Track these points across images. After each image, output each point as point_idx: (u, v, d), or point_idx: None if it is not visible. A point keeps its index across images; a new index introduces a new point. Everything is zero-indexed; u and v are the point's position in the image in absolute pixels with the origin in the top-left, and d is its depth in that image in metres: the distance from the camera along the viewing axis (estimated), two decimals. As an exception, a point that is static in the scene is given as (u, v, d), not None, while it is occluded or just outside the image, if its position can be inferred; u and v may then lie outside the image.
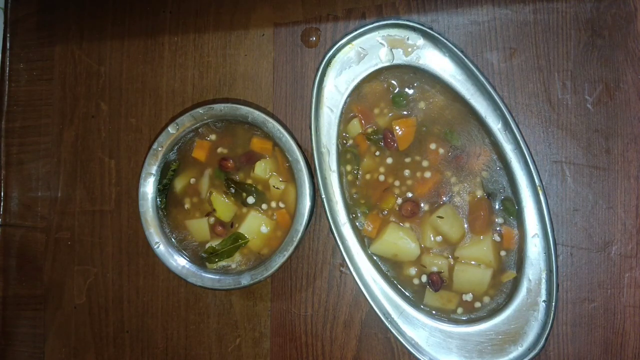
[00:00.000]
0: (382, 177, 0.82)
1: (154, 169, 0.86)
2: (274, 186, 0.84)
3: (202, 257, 0.85)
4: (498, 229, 0.78)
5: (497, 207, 0.78)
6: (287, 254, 0.80)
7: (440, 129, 0.80)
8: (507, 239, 0.78)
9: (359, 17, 0.85)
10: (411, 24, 0.80)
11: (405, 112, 0.82)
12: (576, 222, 0.77)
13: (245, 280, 0.81)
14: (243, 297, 0.88)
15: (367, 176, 0.82)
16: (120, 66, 0.94)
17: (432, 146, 0.81)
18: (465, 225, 0.79)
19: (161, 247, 0.85)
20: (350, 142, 0.83)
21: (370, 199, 0.82)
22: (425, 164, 0.80)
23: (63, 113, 0.96)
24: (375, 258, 0.81)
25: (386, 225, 0.81)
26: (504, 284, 0.78)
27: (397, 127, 0.80)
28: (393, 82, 0.82)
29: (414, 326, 0.79)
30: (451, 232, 0.78)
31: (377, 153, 0.82)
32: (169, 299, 0.91)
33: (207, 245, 0.85)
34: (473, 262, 0.78)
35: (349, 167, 0.83)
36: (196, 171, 0.87)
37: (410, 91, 0.82)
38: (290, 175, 0.83)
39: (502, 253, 0.78)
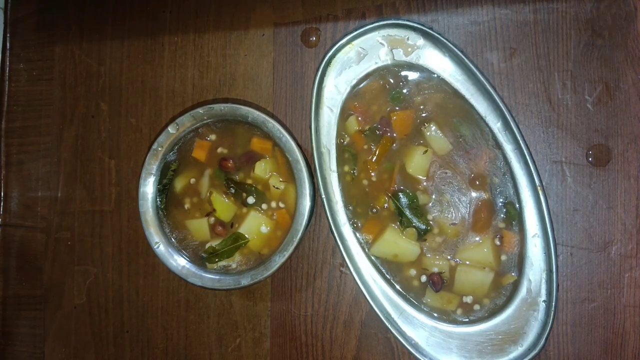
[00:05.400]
0: (374, 177, 0.82)
1: (154, 169, 0.86)
2: (274, 186, 0.84)
3: (202, 257, 0.85)
4: (499, 235, 0.78)
5: (500, 215, 0.78)
6: (287, 254, 0.80)
7: (443, 121, 0.80)
8: (508, 242, 0.78)
9: (359, 17, 0.85)
10: (411, 24, 0.80)
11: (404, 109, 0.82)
12: (576, 222, 0.77)
13: (245, 280, 0.81)
14: (243, 297, 0.88)
15: (363, 175, 0.82)
16: (120, 66, 0.94)
17: (432, 132, 0.80)
18: (467, 224, 0.79)
19: (161, 247, 0.85)
20: (347, 139, 0.83)
21: (367, 200, 0.82)
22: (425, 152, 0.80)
23: (63, 113, 0.96)
24: (375, 261, 0.81)
25: (385, 227, 0.81)
26: (503, 287, 0.78)
27: (394, 117, 0.80)
28: (391, 80, 0.82)
29: (414, 326, 0.79)
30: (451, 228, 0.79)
31: (373, 147, 0.82)
32: (169, 299, 0.91)
33: (207, 245, 0.85)
34: (473, 264, 0.78)
35: (347, 168, 0.83)
36: (196, 171, 0.87)
37: (409, 90, 0.82)
38: (290, 175, 0.83)
39: (503, 257, 0.78)
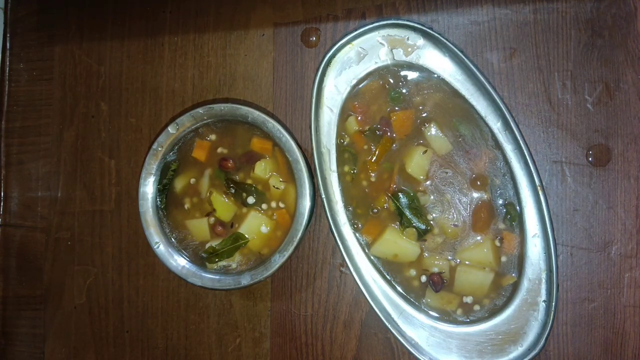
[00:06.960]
0: (374, 177, 0.82)
1: (154, 169, 0.86)
2: (274, 186, 0.84)
3: (202, 257, 0.85)
4: (499, 236, 0.78)
5: (501, 215, 0.78)
6: (287, 254, 0.80)
7: (443, 121, 0.80)
8: (508, 243, 0.78)
9: (359, 17, 0.85)
10: (411, 24, 0.80)
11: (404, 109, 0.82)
12: (576, 222, 0.77)
13: (245, 280, 0.81)
14: (243, 297, 0.88)
15: (362, 176, 0.82)
16: (120, 66, 0.94)
17: (432, 132, 0.80)
18: (467, 225, 0.79)
19: (161, 247, 0.85)
20: (347, 139, 0.83)
21: (367, 201, 0.82)
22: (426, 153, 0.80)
23: (63, 113, 0.96)
24: (375, 261, 0.81)
25: (385, 227, 0.81)
26: (503, 287, 0.78)
27: (394, 117, 0.80)
28: (391, 80, 0.82)
29: (414, 326, 0.79)
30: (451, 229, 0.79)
31: (373, 147, 0.82)
32: (169, 299, 0.91)
33: (207, 245, 0.85)
34: (474, 265, 0.78)
35: (347, 168, 0.83)
36: (196, 171, 0.87)
37: (409, 90, 0.82)
38: (290, 175, 0.83)
39: (503, 258, 0.78)
